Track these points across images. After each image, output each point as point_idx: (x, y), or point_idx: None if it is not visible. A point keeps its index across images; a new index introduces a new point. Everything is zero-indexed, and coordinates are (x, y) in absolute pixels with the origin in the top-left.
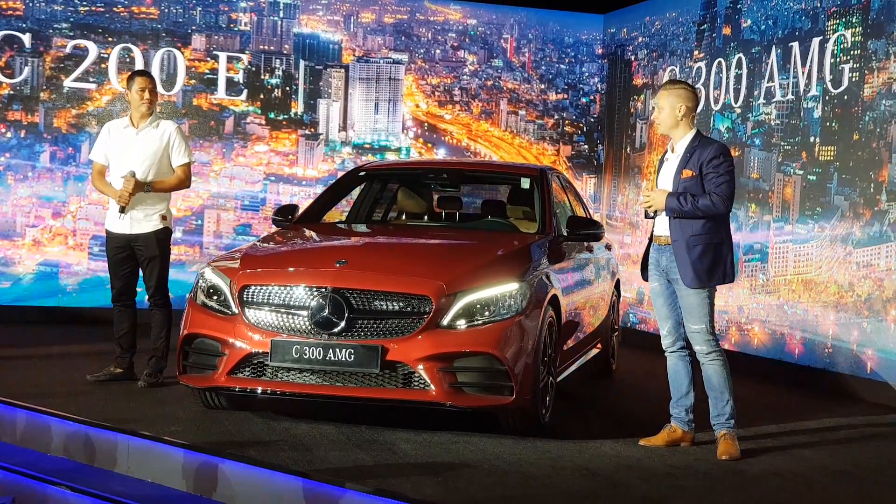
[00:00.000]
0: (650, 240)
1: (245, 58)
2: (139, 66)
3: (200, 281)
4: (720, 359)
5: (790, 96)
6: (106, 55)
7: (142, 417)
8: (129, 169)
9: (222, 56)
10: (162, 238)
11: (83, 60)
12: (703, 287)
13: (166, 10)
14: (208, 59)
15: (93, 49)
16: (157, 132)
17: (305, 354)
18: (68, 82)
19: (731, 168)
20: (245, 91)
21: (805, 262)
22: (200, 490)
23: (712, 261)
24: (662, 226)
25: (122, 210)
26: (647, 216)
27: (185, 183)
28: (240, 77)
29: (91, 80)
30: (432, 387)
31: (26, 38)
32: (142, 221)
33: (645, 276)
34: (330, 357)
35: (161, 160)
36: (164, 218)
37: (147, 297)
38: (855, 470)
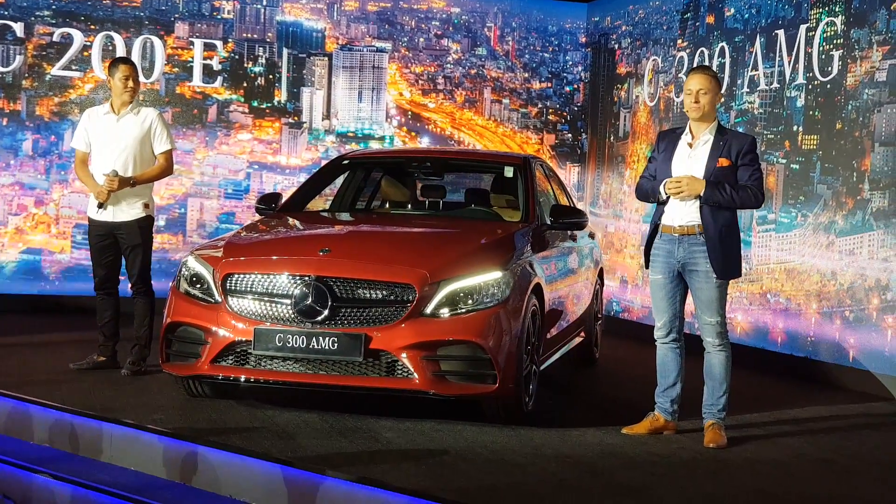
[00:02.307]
0: (654, 228)
1: (219, 44)
2: (121, 54)
3: (183, 269)
4: (727, 351)
5: (774, 85)
6: (88, 43)
7: (125, 406)
8: (112, 165)
9: (198, 43)
10: (144, 226)
11: (66, 48)
12: (730, 278)
13: None
14: (191, 47)
15: (78, 37)
16: (137, 118)
17: (289, 343)
18: (55, 71)
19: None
20: (220, 79)
21: (788, 250)
22: (184, 478)
23: (737, 252)
24: (677, 215)
25: (101, 206)
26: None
27: (167, 171)
28: (213, 62)
29: (74, 68)
30: (416, 375)
31: (19, 28)
32: (124, 210)
33: (648, 265)
34: (313, 345)
35: (142, 146)
36: (146, 206)
37: (130, 285)
38: (836, 458)
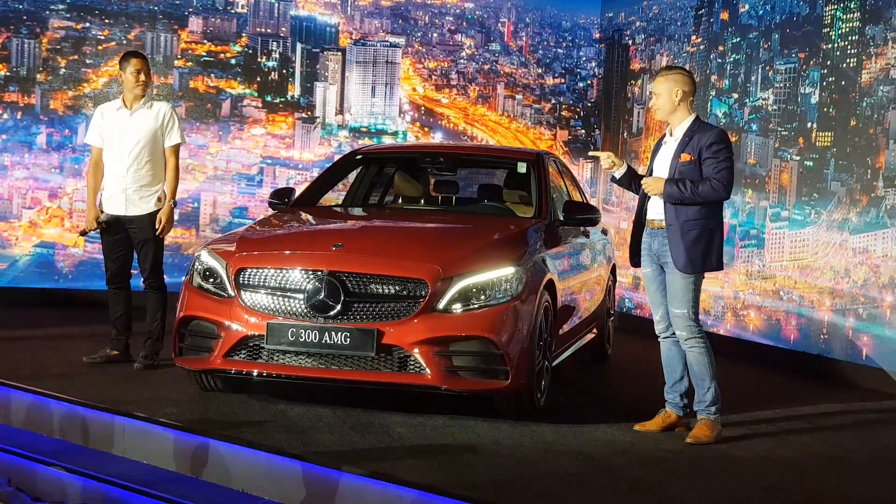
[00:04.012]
0: (638, 224)
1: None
2: (137, 48)
3: (197, 263)
4: (700, 345)
5: (788, 82)
6: (103, 37)
7: (137, 399)
8: (126, 160)
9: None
10: (157, 220)
11: (80, 42)
12: (693, 272)
13: None
14: (205, 41)
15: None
16: (151, 112)
17: (301, 337)
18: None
19: (731, 154)
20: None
21: (801, 247)
22: (195, 472)
23: (706, 247)
24: (656, 210)
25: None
26: (612, 180)
27: (178, 166)
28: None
29: (88, 61)
30: (428, 370)
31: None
32: (137, 203)
33: (633, 262)
34: (326, 340)
35: (156, 140)
36: (159, 200)
37: (142, 279)
38: (848, 455)
